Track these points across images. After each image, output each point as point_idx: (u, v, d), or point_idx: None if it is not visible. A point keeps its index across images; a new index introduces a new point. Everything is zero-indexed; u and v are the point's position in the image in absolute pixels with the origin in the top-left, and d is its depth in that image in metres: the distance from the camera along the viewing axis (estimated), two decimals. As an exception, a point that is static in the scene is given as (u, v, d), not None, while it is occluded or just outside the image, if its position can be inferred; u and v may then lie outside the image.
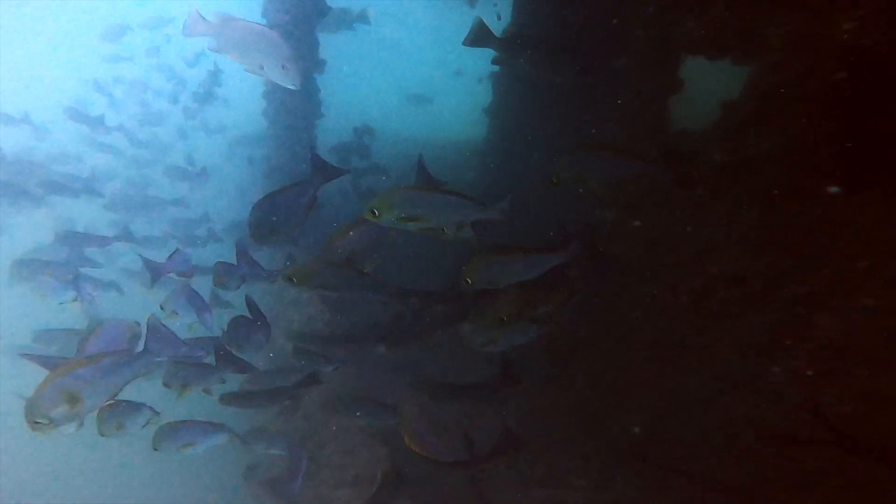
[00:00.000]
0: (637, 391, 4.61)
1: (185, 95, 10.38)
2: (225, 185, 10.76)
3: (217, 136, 11.88)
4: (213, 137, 11.72)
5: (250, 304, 3.75)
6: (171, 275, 4.20)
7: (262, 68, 2.94)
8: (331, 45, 8.96)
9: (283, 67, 2.90)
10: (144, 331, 2.72)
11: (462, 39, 4.73)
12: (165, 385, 3.45)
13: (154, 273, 4.08)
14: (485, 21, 4.79)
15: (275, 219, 3.25)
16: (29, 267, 5.10)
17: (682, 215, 4.72)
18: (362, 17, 10.26)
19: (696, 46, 4.75)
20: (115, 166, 10.33)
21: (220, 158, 11.72)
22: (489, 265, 2.97)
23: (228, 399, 4.00)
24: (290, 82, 2.92)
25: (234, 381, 4.14)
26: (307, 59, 8.59)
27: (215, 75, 9.93)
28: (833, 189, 3.63)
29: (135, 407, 3.03)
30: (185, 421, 3.41)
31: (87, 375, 2.30)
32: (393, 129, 12.88)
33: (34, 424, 2.21)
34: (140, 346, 2.73)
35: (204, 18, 3.06)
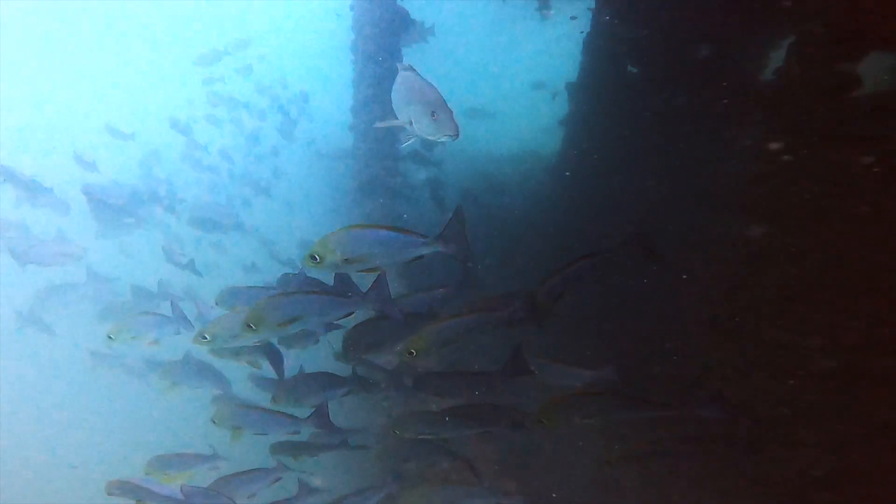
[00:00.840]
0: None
1: (278, 114, 10.72)
2: (307, 200, 10.88)
3: (306, 150, 12.18)
4: (302, 151, 12.01)
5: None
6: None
7: (410, 122, 2.54)
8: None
9: (432, 115, 2.47)
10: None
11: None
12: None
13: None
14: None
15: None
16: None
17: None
18: (434, 31, 10.33)
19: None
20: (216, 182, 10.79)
21: (306, 170, 11.92)
22: (436, 334, 3.01)
23: (279, 449, 4.00)
24: (444, 133, 2.46)
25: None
26: (395, 71, 8.53)
27: (304, 95, 10.20)
28: None
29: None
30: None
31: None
32: (459, 141, 12.77)
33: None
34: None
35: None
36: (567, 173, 10.13)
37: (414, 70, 2.71)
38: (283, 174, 11.09)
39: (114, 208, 6.77)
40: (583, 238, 8.72)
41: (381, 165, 6.92)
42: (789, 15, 6.67)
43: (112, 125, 8.15)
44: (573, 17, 11.01)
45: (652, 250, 4.31)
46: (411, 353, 3.00)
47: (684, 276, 6.46)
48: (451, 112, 2.57)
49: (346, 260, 2.52)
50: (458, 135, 2.51)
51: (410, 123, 2.55)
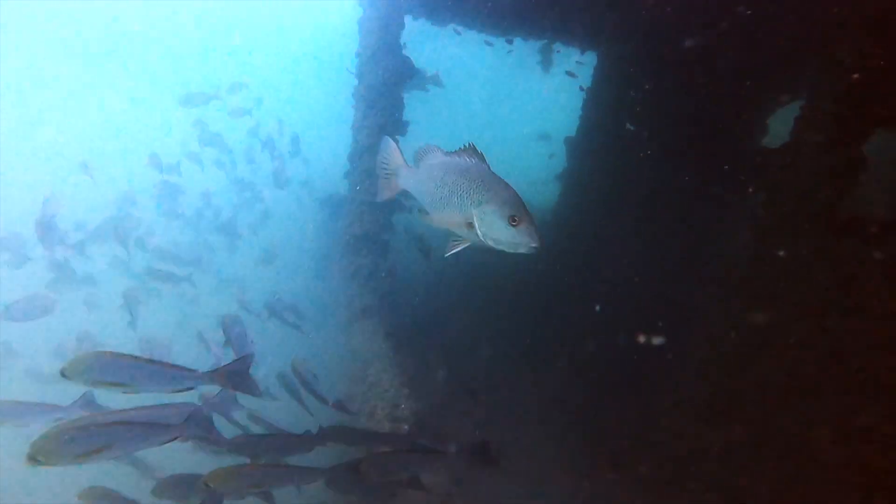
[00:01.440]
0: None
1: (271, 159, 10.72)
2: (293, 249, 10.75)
3: (296, 196, 12.12)
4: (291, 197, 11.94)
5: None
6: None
7: (468, 225, 2.10)
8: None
9: (511, 221, 2.05)
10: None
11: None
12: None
13: None
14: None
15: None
16: None
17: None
18: (436, 80, 10.50)
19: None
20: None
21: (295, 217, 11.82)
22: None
23: None
24: (526, 245, 2.05)
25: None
26: (395, 122, 8.67)
27: (296, 139, 10.27)
28: None
29: None
30: None
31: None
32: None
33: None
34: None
35: (400, 153, 2.68)
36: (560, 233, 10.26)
37: (476, 152, 2.30)
38: (269, 219, 11.00)
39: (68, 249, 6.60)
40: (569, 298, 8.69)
41: (373, 219, 6.86)
42: (796, 85, 6.90)
43: (86, 162, 8.05)
44: (570, 73, 11.38)
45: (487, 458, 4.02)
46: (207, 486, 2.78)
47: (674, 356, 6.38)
48: (532, 217, 2.14)
49: (100, 382, 2.36)
50: (541, 246, 2.08)
51: (469, 226, 2.14)
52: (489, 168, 2.29)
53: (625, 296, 7.91)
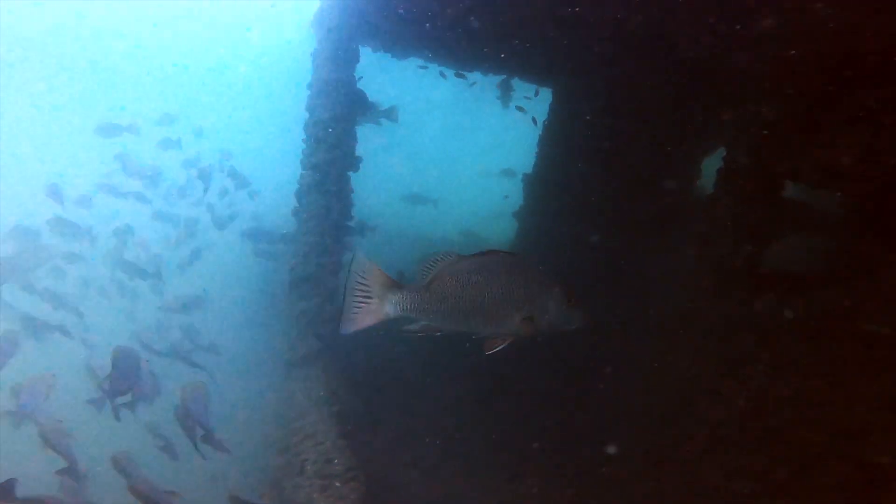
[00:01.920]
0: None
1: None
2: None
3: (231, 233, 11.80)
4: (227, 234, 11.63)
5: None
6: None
7: (525, 321, 2.09)
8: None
9: (569, 302, 2.04)
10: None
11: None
12: None
13: None
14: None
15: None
16: None
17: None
18: (390, 114, 10.63)
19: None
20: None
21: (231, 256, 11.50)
22: None
23: None
24: (580, 319, 2.10)
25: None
26: (347, 157, 8.74)
27: (237, 174, 10.06)
28: None
29: None
30: None
31: None
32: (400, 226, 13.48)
33: None
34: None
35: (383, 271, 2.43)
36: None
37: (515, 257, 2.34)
38: (200, 258, 10.62)
39: None
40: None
41: (319, 262, 6.84)
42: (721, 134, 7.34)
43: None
44: (519, 108, 11.80)
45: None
46: None
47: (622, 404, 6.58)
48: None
49: None
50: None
51: (528, 321, 2.19)
52: (520, 258, 2.32)
53: (574, 337, 8.11)
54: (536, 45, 9.23)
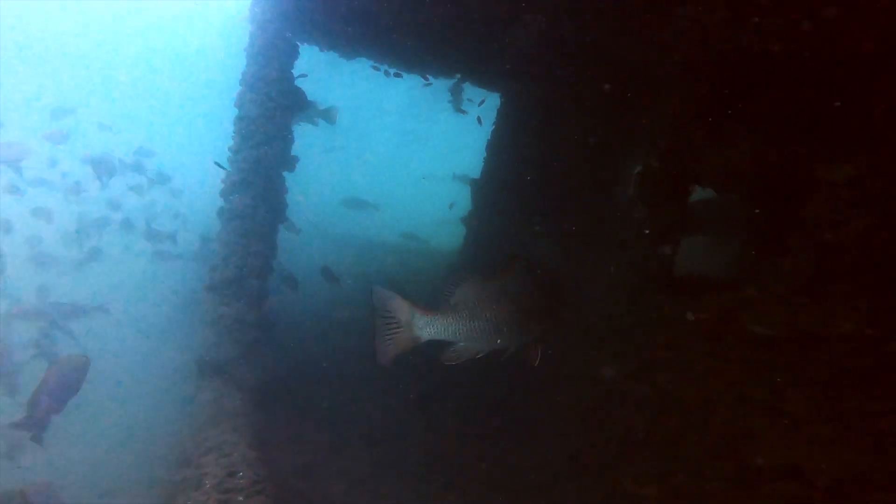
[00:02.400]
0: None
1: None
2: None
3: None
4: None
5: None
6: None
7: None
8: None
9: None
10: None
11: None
12: None
13: None
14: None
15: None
16: None
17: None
18: (328, 115, 10.46)
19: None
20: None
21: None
22: None
23: None
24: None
25: None
26: (281, 157, 8.54)
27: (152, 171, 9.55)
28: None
29: None
30: None
31: None
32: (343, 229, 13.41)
33: None
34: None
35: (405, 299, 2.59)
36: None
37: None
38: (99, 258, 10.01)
39: None
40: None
41: (242, 264, 6.62)
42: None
43: None
44: (460, 111, 11.88)
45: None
46: None
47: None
48: None
49: None
50: None
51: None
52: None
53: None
54: (482, 49, 9.32)
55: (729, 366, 3.73)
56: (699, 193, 4.47)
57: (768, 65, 3.34)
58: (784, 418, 3.23)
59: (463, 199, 12.82)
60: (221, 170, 8.03)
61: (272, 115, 8.13)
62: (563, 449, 5.87)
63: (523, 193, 10.00)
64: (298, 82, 9.66)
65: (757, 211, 3.63)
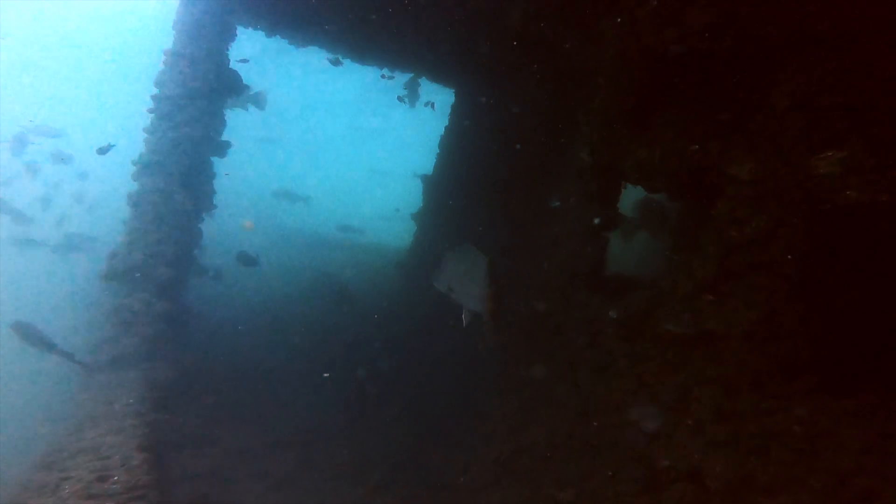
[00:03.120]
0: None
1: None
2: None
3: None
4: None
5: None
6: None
7: None
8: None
9: None
10: None
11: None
12: None
13: None
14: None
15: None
16: None
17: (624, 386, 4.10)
18: (257, 100, 10.06)
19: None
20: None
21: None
22: None
23: None
24: None
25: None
26: (210, 140, 8.07)
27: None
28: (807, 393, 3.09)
29: None
30: None
31: None
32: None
33: None
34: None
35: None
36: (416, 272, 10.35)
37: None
38: None
39: None
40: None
41: (151, 252, 6.12)
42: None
43: None
44: (400, 98, 11.70)
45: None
46: None
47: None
48: None
49: None
50: None
51: None
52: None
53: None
54: (432, 43, 9.13)
55: (644, 365, 3.63)
56: (629, 191, 4.40)
57: (689, 61, 3.29)
58: (689, 419, 3.15)
59: (408, 197, 12.69)
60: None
61: (195, 96, 7.66)
62: (491, 451, 5.71)
63: (471, 190, 9.88)
64: (238, 67, 9.23)
65: (675, 208, 3.58)
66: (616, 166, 4.04)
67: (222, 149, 8.85)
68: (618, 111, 3.93)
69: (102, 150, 7.48)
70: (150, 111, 7.35)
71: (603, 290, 4.35)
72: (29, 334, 5.80)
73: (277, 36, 10.73)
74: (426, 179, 12.25)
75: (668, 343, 3.52)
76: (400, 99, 12.18)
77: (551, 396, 4.75)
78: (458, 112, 11.46)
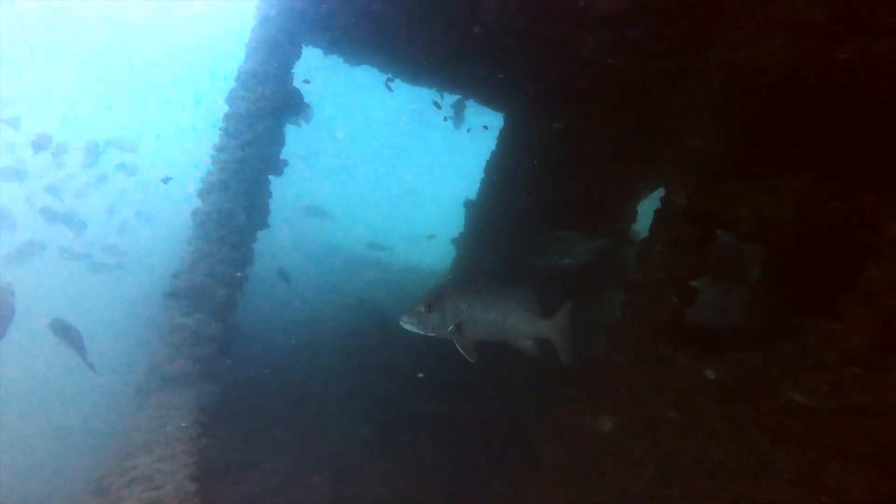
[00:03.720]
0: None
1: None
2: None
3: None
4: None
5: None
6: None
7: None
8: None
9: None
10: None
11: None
12: None
13: None
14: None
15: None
16: None
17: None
18: (304, 115, 10.14)
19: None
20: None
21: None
22: None
23: None
24: None
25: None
26: (268, 159, 8.11)
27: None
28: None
29: None
30: None
31: None
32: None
33: None
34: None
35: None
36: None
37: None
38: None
39: None
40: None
41: (211, 271, 6.09)
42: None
43: None
44: (446, 119, 11.59)
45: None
46: None
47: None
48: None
49: None
50: None
51: None
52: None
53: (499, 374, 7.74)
54: (493, 66, 9.03)
55: (752, 431, 3.28)
56: (726, 238, 4.07)
57: (832, 95, 2.98)
58: (823, 495, 2.79)
59: (440, 217, 12.63)
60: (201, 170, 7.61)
61: (263, 115, 7.73)
62: (546, 501, 5.36)
63: (521, 219, 9.61)
64: (299, 86, 9.34)
65: (802, 266, 3.25)
66: (718, 213, 3.74)
67: (280, 167, 8.91)
68: (728, 152, 3.64)
69: (165, 180, 7.81)
70: (221, 129, 7.42)
71: (691, 345, 4.02)
72: (65, 334, 5.76)
73: (332, 54, 10.92)
74: (469, 204, 12.07)
75: (789, 412, 3.16)
76: (445, 119, 12.14)
77: (623, 451, 4.40)
78: (510, 137, 11.26)
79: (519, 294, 3.37)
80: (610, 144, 7.64)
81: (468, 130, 12.45)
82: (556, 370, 7.77)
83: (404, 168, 40.20)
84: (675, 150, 4.47)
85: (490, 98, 11.60)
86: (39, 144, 8.41)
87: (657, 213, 4.65)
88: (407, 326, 3.23)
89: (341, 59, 11.35)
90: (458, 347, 3.31)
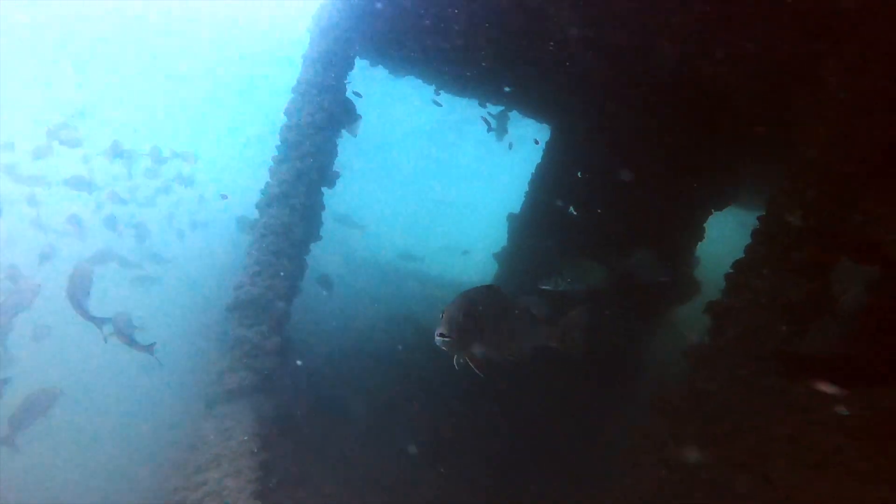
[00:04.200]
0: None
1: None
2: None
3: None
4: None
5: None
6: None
7: None
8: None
9: None
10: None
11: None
12: None
13: None
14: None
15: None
16: None
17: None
18: (352, 127, 10.08)
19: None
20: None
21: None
22: None
23: None
24: None
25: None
26: (322, 170, 8.00)
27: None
28: None
29: None
30: None
31: None
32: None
33: None
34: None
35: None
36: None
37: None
38: None
39: None
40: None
41: (269, 284, 5.97)
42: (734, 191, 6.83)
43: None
44: (536, 142, 11.35)
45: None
46: None
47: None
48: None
49: None
50: None
51: None
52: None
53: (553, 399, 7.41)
54: (542, 76, 8.79)
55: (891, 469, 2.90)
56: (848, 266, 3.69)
57: None
58: None
59: (471, 229, 12.48)
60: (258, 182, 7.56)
61: (321, 126, 7.64)
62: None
63: (571, 237, 9.26)
64: (351, 98, 9.28)
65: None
66: (847, 235, 3.40)
67: (332, 179, 8.81)
68: (859, 165, 3.30)
69: (223, 197, 7.97)
70: (280, 140, 7.36)
71: (812, 378, 3.65)
72: (121, 328, 5.68)
73: (378, 65, 10.88)
74: (512, 218, 11.75)
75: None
76: (489, 131, 12.02)
77: (722, 485, 4.03)
78: (556, 150, 10.96)
79: (529, 301, 3.36)
80: (673, 158, 7.31)
81: (510, 146, 12.22)
82: (622, 391, 7.39)
83: (439, 179, 40.35)
84: (786, 164, 4.13)
85: (538, 110, 11.37)
86: (116, 153, 8.59)
87: (756, 233, 4.31)
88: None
89: (386, 71, 11.34)
90: (466, 361, 3.12)
